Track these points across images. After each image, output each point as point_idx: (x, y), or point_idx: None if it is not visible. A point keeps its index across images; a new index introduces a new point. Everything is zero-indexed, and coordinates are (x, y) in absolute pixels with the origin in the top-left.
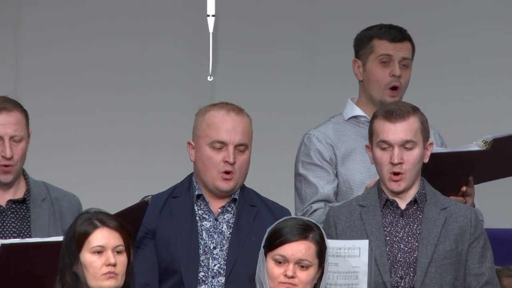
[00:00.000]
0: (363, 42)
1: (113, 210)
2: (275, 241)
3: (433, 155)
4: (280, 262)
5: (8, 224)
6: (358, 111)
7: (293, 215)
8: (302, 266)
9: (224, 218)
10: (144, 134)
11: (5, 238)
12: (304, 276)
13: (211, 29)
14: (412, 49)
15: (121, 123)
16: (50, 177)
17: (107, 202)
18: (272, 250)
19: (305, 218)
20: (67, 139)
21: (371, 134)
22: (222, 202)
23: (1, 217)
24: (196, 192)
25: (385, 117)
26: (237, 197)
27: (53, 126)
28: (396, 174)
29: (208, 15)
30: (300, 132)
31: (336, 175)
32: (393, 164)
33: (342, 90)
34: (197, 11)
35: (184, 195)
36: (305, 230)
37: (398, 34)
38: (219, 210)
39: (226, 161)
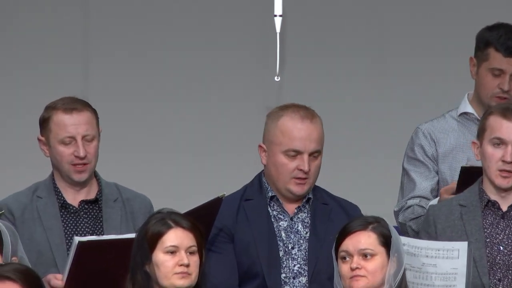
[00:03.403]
0: (481, 44)
1: (182, 211)
2: (338, 239)
3: None
4: (345, 258)
5: (81, 224)
6: (469, 108)
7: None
8: (366, 255)
9: (299, 218)
10: (211, 134)
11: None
12: (370, 265)
13: (278, 29)
14: None
15: (189, 124)
16: (119, 178)
17: (176, 204)
18: (338, 251)
19: (373, 216)
20: (136, 140)
21: (483, 130)
22: (297, 203)
23: (74, 217)
24: (270, 194)
25: (503, 114)
26: (311, 197)
27: (121, 128)
28: (506, 171)
29: (276, 15)
30: (368, 132)
31: (437, 172)
32: (504, 162)
33: (411, 89)
34: (265, 12)
35: (257, 197)
36: (365, 223)
37: None
38: (295, 210)
39: (301, 169)
